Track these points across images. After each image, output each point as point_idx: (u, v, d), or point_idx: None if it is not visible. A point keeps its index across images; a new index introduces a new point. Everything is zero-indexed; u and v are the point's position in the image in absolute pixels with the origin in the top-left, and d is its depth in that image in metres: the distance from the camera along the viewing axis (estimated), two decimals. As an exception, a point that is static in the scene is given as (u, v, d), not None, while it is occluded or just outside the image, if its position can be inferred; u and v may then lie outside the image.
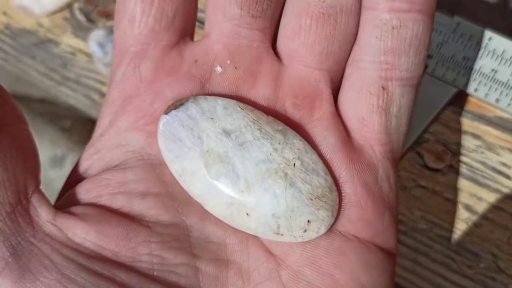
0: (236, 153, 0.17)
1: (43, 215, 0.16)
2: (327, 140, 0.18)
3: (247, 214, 0.17)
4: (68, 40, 0.29)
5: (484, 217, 0.24)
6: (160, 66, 0.18)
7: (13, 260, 0.15)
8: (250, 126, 0.17)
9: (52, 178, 0.39)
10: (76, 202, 0.17)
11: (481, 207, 0.24)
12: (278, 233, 0.17)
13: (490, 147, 0.24)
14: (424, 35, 0.18)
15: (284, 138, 0.17)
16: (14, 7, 0.30)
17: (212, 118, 0.17)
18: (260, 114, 0.18)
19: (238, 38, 0.19)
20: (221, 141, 0.17)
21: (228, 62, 0.18)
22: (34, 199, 0.16)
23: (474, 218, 0.24)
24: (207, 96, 0.18)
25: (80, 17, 0.29)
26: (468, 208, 0.24)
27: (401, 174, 0.25)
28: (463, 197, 0.24)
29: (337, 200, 0.18)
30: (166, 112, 0.18)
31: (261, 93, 0.18)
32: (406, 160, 0.25)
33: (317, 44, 0.18)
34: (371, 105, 0.18)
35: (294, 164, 0.17)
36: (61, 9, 0.29)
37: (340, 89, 0.19)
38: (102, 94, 0.29)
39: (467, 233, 0.24)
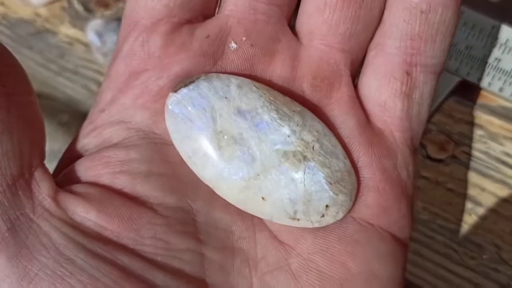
0: (252, 135, 0.16)
1: (44, 190, 0.15)
2: (346, 123, 0.18)
3: (263, 198, 0.16)
4: (66, 30, 0.29)
5: (487, 208, 0.24)
6: (170, 42, 0.17)
7: (9, 235, 0.14)
8: (267, 107, 0.16)
9: (50, 172, 0.38)
10: (75, 180, 0.17)
11: (484, 198, 0.24)
12: (294, 218, 0.16)
13: (493, 137, 0.24)
14: (452, 22, 0.18)
15: (303, 120, 0.17)
16: (11, -4, 0.30)
17: (226, 97, 0.16)
18: (277, 94, 0.17)
19: (254, 13, 0.18)
20: (236, 122, 0.16)
21: (244, 38, 0.18)
22: (37, 174, 0.15)
23: (477, 209, 0.24)
24: (220, 74, 0.17)
25: (78, 6, 0.29)
26: (471, 199, 0.24)
27: (403, 164, 0.24)
28: (466, 188, 0.24)
29: (356, 184, 0.17)
30: (175, 89, 0.17)
31: (277, 72, 0.18)
32: (408, 150, 0.25)
33: (342, 23, 0.18)
34: (394, 90, 0.18)
35: (313, 147, 0.16)
36: (58, -1, 0.29)
37: (361, 73, 0.19)
38: (100, 84, 0.28)
39: (470, 224, 0.24)
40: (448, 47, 0.18)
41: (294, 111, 0.17)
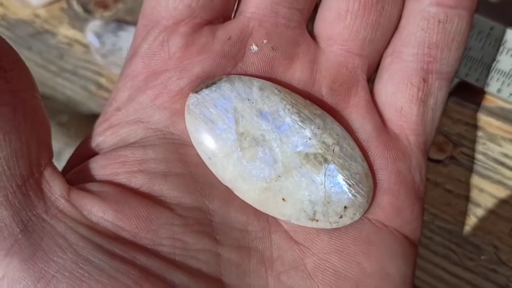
0: (274, 137, 0.17)
1: (56, 190, 0.15)
2: (363, 127, 0.18)
3: (283, 199, 0.17)
4: (65, 31, 0.29)
5: (486, 209, 0.24)
6: (191, 43, 0.17)
7: (23, 237, 0.14)
8: (289, 109, 0.17)
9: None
10: (89, 178, 0.16)
11: (483, 199, 0.24)
12: (313, 219, 0.17)
13: (491, 138, 0.24)
14: (466, 32, 0.19)
15: (323, 123, 0.17)
16: (10, -3, 0.30)
17: (248, 99, 0.17)
18: (298, 97, 0.17)
19: (276, 16, 0.18)
20: (258, 124, 0.17)
21: (265, 41, 0.18)
22: (47, 173, 0.15)
23: (475, 210, 0.24)
24: (242, 76, 0.17)
25: (77, 7, 0.29)
26: (469, 200, 0.24)
27: (401, 165, 0.24)
28: (464, 189, 0.24)
29: (372, 186, 0.17)
30: (196, 90, 0.17)
31: (297, 76, 0.18)
32: (407, 151, 0.25)
33: (362, 30, 0.18)
34: (411, 95, 0.18)
35: (334, 150, 0.17)
36: (58, 0, 0.29)
37: (377, 79, 0.19)
38: (99, 85, 0.28)
39: (469, 225, 0.24)
40: (461, 55, 0.19)
41: (315, 114, 0.17)
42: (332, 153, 0.17)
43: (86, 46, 0.29)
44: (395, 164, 0.18)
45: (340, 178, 0.17)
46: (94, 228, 0.15)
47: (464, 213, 0.24)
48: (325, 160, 0.17)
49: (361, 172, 0.17)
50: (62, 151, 0.45)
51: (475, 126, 0.24)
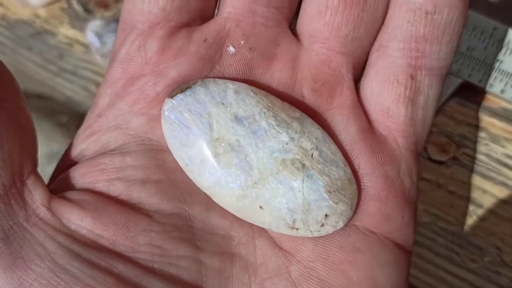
0: (249, 142, 0.16)
1: (37, 198, 0.15)
2: (347, 129, 0.17)
3: (261, 207, 0.16)
4: (65, 31, 0.29)
5: (489, 210, 0.24)
6: (167, 46, 0.17)
7: (3, 245, 0.14)
8: (265, 113, 0.16)
9: (49, 173, 0.38)
10: (70, 186, 0.16)
11: (485, 200, 0.24)
12: (293, 228, 0.16)
13: (494, 139, 0.24)
14: (458, 23, 0.17)
15: (301, 127, 0.16)
16: (10, -3, 0.29)
17: (222, 103, 0.16)
18: (275, 99, 0.17)
19: (253, 16, 0.17)
20: (233, 129, 0.16)
21: (242, 42, 0.17)
22: (30, 182, 0.15)
23: (478, 211, 0.24)
24: (217, 79, 0.17)
25: (77, 7, 0.29)
26: (472, 201, 0.24)
27: (404, 166, 0.24)
28: (467, 190, 0.24)
29: (356, 193, 0.17)
30: (171, 95, 0.16)
31: (277, 77, 0.17)
32: (409, 152, 0.24)
33: (344, 26, 0.17)
34: (397, 94, 0.17)
35: (312, 155, 0.16)
36: (58, 0, 0.29)
37: (363, 76, 0.18)
38: (100, 86, 0.28)
39: (471, 227, 0.24)
40: (455, 49, 0.18)
41: (292, 117, 0.16)
42: (310, 159, 0.16)
43: (86, 46, 0.28)
44: (382, 168, 0.17)
45: (319, 185, 0.16)
46: (72, 236, 0.15)
47: (466, 215, 0.24)
48: (303, 166, 0.16)
49: (343, 177, 0.16)
50: (61, 152, 0.45)
51: (478, 127, 0.24)
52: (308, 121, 0.17)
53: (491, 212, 0.24)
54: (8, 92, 0.15)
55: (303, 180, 0.16)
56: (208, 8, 0.18)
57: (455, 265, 0.24)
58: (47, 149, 0.42)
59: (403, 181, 0.18)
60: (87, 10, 0.29)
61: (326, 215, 0.16)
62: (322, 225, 0.16)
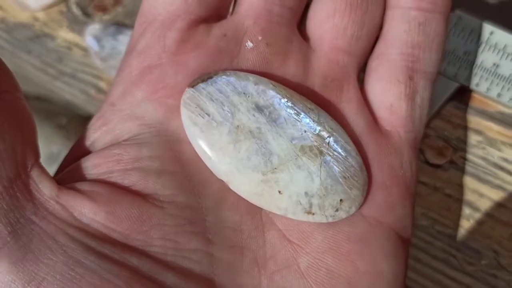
0: (269, 129, 0.17)
1: (45, 191, 0.15)
2: (356, 122, 0.18)
3: (279, 192, 0.17)
4: (64, 34, 0.29)
5: (486, 213, 0.24)
6: (187, 38, 0.18)
7: (12, 239, 0.14)
8: (284, 103, 0.17)
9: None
10: (81, 177, 0.16)
11: (482, 204, 0.24)
12: (309, 212, 0.17)
13: (491, 143, 0.24)
14: (443, 35, 0.20)
15: (318, 117, 0.17)
16: (9, 1, 0.29)
17: (244, 93, 0.17)
18: (292, 92, 0.18)
19: (269, 14, 0.18)
20: (254, 117, 0.17)
21: (260, 38, 0.18)
22: (34, 174, 0.15)
23: (475, 214, 0.24)
24: (237, 71, 0.17)
25: (76, 11, 0.29)
26: (469, 204, 0.24)
27: (401, 170, 0.24)
28: (464, 194, 0.24)
29: (367, 180, 0.18)
30: (192, 85, 0.17)
31: (291, 71, 0.18)
32: (406, 156, 0.25)
33: (349, 27, 0.19)
34: (399, 92, 0.19)
35: (329, 143, 0.17)
36: (57, 3, 0.29)
37: (365, 80, 0.20)
38: (99, 89, 0.28)
39: (469, 230, 0.24)
40: (441, 58, 0.20)
41: (309, 108, 0.17)
42: (327, 146, 0.17)
43: (85, 49, 0.29)
44: (387, 159, 0.18)
45: (335, 171, 0.17)
46: (84, 229, 0.15)
47: (464, 218, 0.24)
48: (321, 153, 0.17)
49: (356, 165, 0.17)
50: (61, 154, 0.45)
51: (475, 131, 0.24)
52: (323, 112, 0.18)
53: (488, 215, 0.24)
54: (7, 84, 0.15)
55: (320, 165, 0.17)
56: (224, 6, 0.19)
57: (452, 268, 0.24)
58: (47, 151, 0.42)
59: (405, 172, 0.19)
60: (86, 14, 0.29)
61: (341, 200, 0.17)
62: (337, 210, 0.17)
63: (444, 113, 0.24)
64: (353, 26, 0.19)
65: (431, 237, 0.24)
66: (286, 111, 0.17)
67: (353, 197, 0.17)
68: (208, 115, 0.17)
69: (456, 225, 0.24)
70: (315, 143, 0.17)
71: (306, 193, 0.17)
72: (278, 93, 0.17)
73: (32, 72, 0.29)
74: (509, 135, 0.24)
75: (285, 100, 0.17)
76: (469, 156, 0.24)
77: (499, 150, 0.24)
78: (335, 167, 0.17)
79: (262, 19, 0.18)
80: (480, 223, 0.24)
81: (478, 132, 0.24)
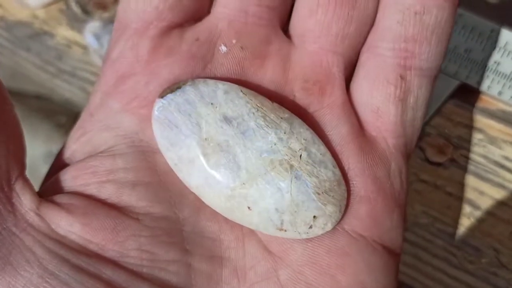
0: (238, 142, 0.16)
1: (26, 203, 0.15)
2: (337, 129, 0.17)
3: (249, 208, 0.16)
4: (64, 32, 0.29)
5: (486, 211, 0.24)
6: (159, 45, 0.17)
7: None
8: (253, 113, 0.16)
9: (47, 174, 0.38)
10: (61, 190, 0.16)
11: (483, 202, 0.24)
12: (281, 229, 0.16)
13: (492, 141, 0.24)
14: (448, 24, 0.17)
15: (290, 127, 0.16)
16: (8, -2, 0.29)
17: (212, 104, 0.16)
18: (264, 100, 0.17)
19: (245, 15, 0.17)
20: (222, 129, 0.16)
21: (234, 41, 0.17)
22: (18, 186, 0.15)
23: (476, 212, 0.24)
24: (207, 80, 0.17)
25: (76, 8, 0.29)
26: (470, 202, 0.24)
27: (402, 168, 0.24)
28: (465, 192, 0.24)
29: (345, 194, 0.17)
30: (162, 95, 0.16)
31: (268, 75, 0.17)
32: (407, 154, 0.24)
33: (334, 24, 0.17)
34: (387, 94, 0.17)
35: (301, 156, 0.16)
36: (56, 1, 0.29)
37: (354, 77, 0.18)
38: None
39: (469, 228, 0.24)
40: (444, 50, 0.18)
41: (281, 117, 0.16)
42: (299, 159, 0.16)
43: (84, 47, 0.28)
44: (371, 169, 0.17)
45: (307, 186, 0.16)
46: (61, 241, 0.15)
47: (464, 216, 0.24)
48: (291, 167, 0.16)
49: (332, 179, 0.16)
50: (61, 152, 0.45)
51: (475, 129, 0.24)
52: (297, 121, 0.17)
53: (489, 213, 0.24)
54: None
55: (291, 181, 0.16)
56: (201, 9, 0.18)
57: (452, 267, 0.24)
58: (46, 150, 0.42)
59: (393, 182, 0.17)
60: (86, 12, 0.28)
61: (314, 216, 0.16)
62: (311, 226, 0.16)
63: (445, 111, 0.24)
64: (338, 23, 0.17)
65: (432, 235, 0.24)
66: (255, 121, 0.16)
67: (328, 214, 0.16)
68: (177, 127, 0.16)
69: (457, 223, 0.24)
70: (286, 157, 0.16)
71: (276, 210, 0.16)
72: (248, 102, 0.16)
73: (31, 70, 0.29)
74: (510, 133, 0.24)
75: (255, 110, 0.16)
76: (470, 154, 0.24)
77: (500, 148, 0.24)
78: (307, 182, 0.16)
79: (237, 21, 0.17)
80: (480, 221, 0.24)
81: (479, 130, 0.24)
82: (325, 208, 0.16)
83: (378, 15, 0.18)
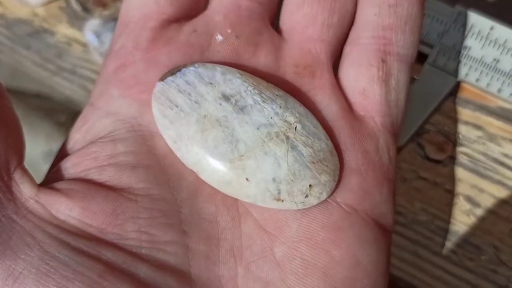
0: (236, 117, 0.17)
1: (25, 191, 0.15)
2: (329, 107, 0.18)
3: (247, 179, 0.16)
4: (64, 30, 0.29)
5: (486, 209, 0.24)
6: (158, 36, 0.18)
7: None
8: (250, 91, 0.17)
9: (47, 172, 0.38)
10: (62, 177, 0.17)
11: (482, 199, 0.24)
12: (278, 199, 0.17)
13: (491, 138, 0.24)
14: (418, 17, 0.19)
15: (285, 103, 0.17)
16: (9, -4, 0.29)
17: (211, 83, 0.17)
18: (260, 80, 0.18)
19: (238, 9, 0.19)
20: (220, 106, 0.17)
21: (229, 31, 0.19)
22: (17, 175, 0.16)
23: (475, 210, 0.24)
24: (205, 63, 0.18)
25: (76, 6, 0.29)
26: (469, 200, 0.24)
27: (401, 165, 0.24)
28: (464, 189, 0.24)
29: (338, 165, 0.17)
30: (162, 79, 0.17)
31: (262, 62, 0.19)
32: (406, 151, 0.24)
33: (319, 15, 0.19)
34: (371, 76, 0.19)
35: (296, 128, 0.17)
36: (56, -1, 0.29)
37: (340, 66, 0.20)
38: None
39: (469, 225, 0.24)
40: (417, 40, 0.20)
41: (276, 95, 0.17)
42: (294, 131, 0.17)
43: (84, 45, 0.28)
44: (361, 144, 0.18)
45: (303, 155, 0.17)
46: (61, 226, 0.15)
47: (464, 213, 0.24)
48: (287, 138, 0.17)
49: (325, 149, 0.17)
50: (61, 151, 0.45)
51: (475, 126, 0.24)
52: (291, 98, 0.18)
53: (488, 211, 0.24)
54: None
55: (287, 151, 0.17)
56: (198, 5, 0.20)
57: (452, 264, 0.24)
58: (46, 148, 0.42)
59: (381, 157, 0.18)
60: (86, 9, 0.29)
61: (310, 185, 0.17)
62: (307, 196, 0.17)
63: (444, 108, 0.24)
64: (323, 14, 0.19)
65: (431, 233, 0.24)
66: (252, 98, 0.17)
67: (323, 183, 0.17)
68: (177, 106, 0.17)
69: (456, 221, 0.24)
70: (282, 129, 0.17)
71: (273, 179, 0.16)
72: (244, 81, 0.17)
73: (31, 68, 0.29)
74: (510, 130, 0.24)
75: (252, 87, 0.17)
76: (469, 152, 0.24)
77: (499, 145, 0.24)
78: (303, 152, 0.17)
79: (231, 14, 0.19)
80: (480, 218, 0.24)
81: (478, 127, 0.24)
82: (320, 177, 0.17)
83: (357, 12, 0.20)
